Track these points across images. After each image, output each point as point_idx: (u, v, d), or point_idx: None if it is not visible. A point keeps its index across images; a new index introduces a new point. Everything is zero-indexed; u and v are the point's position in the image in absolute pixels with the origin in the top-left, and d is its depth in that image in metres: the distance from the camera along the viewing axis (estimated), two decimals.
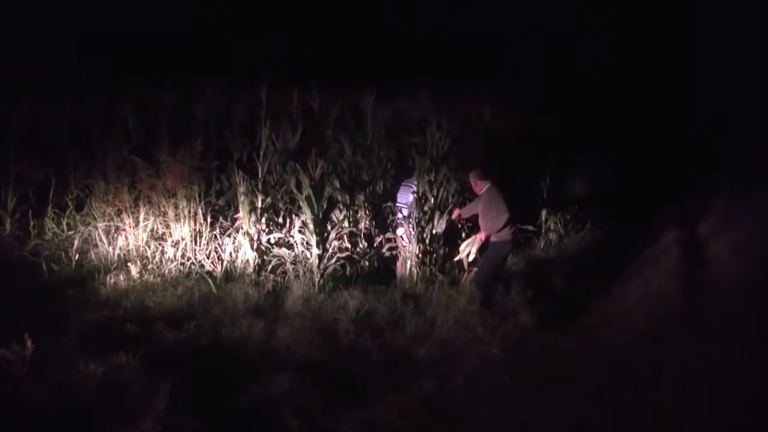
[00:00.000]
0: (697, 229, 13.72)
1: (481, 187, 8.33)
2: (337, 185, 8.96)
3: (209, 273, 8.33)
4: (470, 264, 8.71)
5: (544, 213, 11.80)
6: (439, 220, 9.02)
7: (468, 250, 8.44)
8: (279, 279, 8.43)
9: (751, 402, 5.92)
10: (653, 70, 20.14)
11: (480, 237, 8.30)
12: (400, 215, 9.00)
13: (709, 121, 19.21)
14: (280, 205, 9.08)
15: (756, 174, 14.00)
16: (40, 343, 5.34)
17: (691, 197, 15.83)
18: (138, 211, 8.92)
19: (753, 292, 9.07)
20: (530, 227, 10.67)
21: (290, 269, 8.53)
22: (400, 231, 9.02)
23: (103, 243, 8.69)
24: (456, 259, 8.70)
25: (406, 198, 8.98)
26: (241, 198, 8.64)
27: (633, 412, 5.85)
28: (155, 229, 8.95)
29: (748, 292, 9.14)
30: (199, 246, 8.80)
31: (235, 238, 8.83)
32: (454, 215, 8.97)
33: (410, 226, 8.77)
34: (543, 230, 11.78)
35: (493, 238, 8.16)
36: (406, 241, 8.88)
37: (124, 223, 8.81)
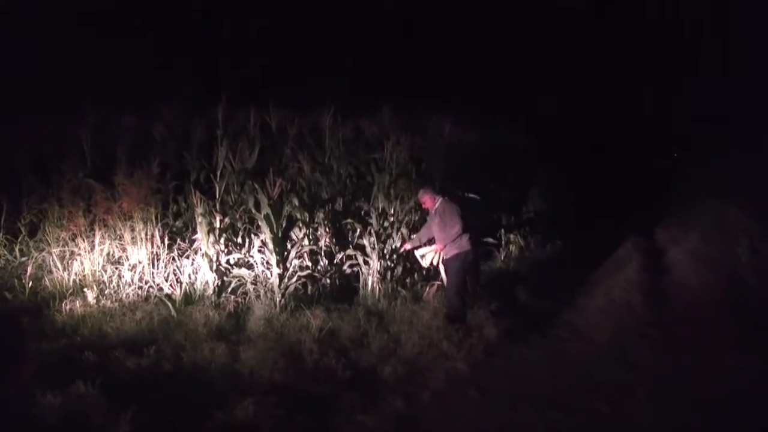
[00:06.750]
0: (656, 236, 13.98)
1: (433, 203, 8.39)
2: (296, 203, 8.91)
3: (168, 296, 8.19)
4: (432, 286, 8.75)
5: (504, 225, 11.87)
6: (399, 235, 9.01)
7: (426, 256, 8.46)
8: (240, 300, 8.32)
9: (718, 407, 5.98)
10: (612, 84, 20.56)
11: (437, 248, 8.33)
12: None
13: (666, 131, 19.69)
14: (239, 224, 9.01)
15: (711, 180, 14.32)
16: None
17: (650, 205, 16.15)
18: (94, 235, 8.74)
19: (714, 296, 9.24)
20: (490, 240, 10.74)
21: (251, 290, 8.44)
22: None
23: (58, 269, 8.48)
24: (425, 265, 8.67)
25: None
26: (199, 219, 8.53)
27: (604, 424, 5.85)
28: (112, 253, 8.77)
29: (709, 296, 9.30)
30: (157, 269, 8.65)
31: (193, 260, 8.71)
32: (402, 249, 8.99)
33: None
34: (504, 242, 11.85)
35: (453, 250, 8.17)
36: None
37: (80, 248, 8.61)
